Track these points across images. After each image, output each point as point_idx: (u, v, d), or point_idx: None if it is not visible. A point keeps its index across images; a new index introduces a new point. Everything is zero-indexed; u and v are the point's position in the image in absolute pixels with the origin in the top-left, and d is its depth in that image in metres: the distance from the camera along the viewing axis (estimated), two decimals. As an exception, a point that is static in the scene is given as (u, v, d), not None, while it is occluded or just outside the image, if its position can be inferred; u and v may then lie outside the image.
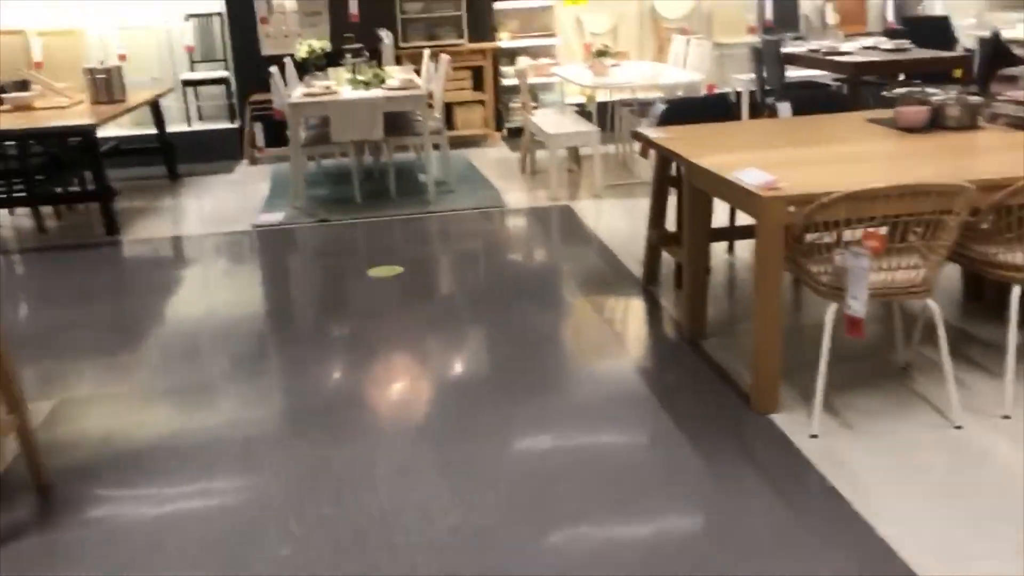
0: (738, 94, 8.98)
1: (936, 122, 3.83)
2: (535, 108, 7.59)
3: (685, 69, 6.97)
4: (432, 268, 5.04)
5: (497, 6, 8.67)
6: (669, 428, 3.06)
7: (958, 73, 6.90)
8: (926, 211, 2.74)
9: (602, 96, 7.58)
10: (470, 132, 8.48)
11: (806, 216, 2.77)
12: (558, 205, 6.14)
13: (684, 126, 4.19)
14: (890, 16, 9.30)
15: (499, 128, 8.75)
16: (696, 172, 3.42)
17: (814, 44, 7.62)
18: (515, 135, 8.65)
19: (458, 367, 3.67)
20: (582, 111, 7.56)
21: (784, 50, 7.47)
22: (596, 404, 3.27)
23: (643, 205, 5.77)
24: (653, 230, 4.37)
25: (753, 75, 8.14)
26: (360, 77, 6.54)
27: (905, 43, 7.07)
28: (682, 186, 3.78)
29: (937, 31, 7.80)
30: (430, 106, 6.47)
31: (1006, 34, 7.59)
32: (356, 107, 6.01)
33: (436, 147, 6.63)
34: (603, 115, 7.63)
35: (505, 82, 8.60)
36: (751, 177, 3.02)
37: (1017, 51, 6.96)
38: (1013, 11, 9.21)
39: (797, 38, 8.95)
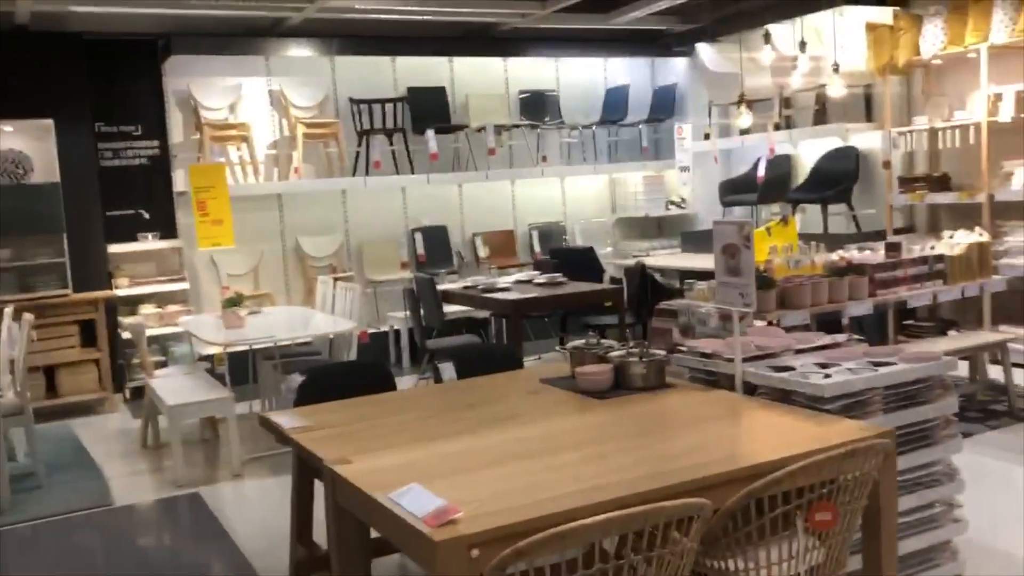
0: (396, 332, 8.38)
1: (620, 382, 3.27)
2: (159, 367, 6.35)
3: (334, 315, 6.19)
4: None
5: (113, 249, 7.47)
6: None
7: (609, 303, 6.79)
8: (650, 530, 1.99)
9: (243, 344, 6.54)
10: (80, 398, 6.96)
11: (497, 568, 1.90)
12: (185, 494, 4.88)
13: (331, 403, 3.29)
14: (537, 248, 9.37)
15: (119, 389, 7.31)
16: (341, 487, 2.48)
17: (469, 280, 7.25)
18: (140, 396, 7.25)
19: None
20: (212, 369, 6.42)
21: (440, 287, 7.01)
22: None
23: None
24: (298, 545, 3.31)
25: (409, 313, 7.57)
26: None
27: (558, 276, 6.89)
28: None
29: (584, 262, 7.82)
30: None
31: (648, 262, 7.78)
32: None
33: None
34: (243, 367, 6.57)
35: (126, 335, 7.28)
36: (416, 502, 2.13)
37: (661, 280, 7.03)
38: (644, 240, 9.67)
39: (451, 273, 8.65)
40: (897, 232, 7.50)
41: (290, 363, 5.72)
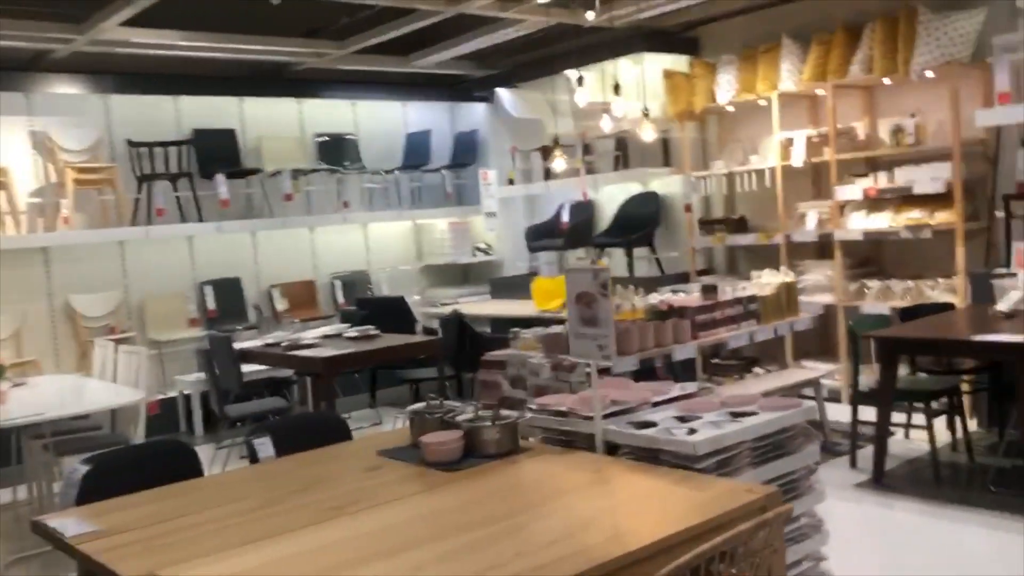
0: (187, 398, 7.60)
1: (471, 449, 2.93)
2: None
3: (116, 383, 5.43)
4: None
5: None
6: None
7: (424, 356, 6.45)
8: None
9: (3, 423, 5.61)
10: None
11: None
12: (-70, 613, 4.01)
13: (126, 497, 2.72)
14: (341, 298, 8.87)
15: None
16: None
17: (271, 337, 6.66)
18: None
19: None
20: None
21: (238, 345, 6.38)
22: None
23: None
24: None
25: (203, 374, 6.87)
26: None
27: (370, 328, 6.46)
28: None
29: (395, 311, 7.44)
30: None
31: (461, 309, 7.50)
32: None
33: None
34: (3, 447, 5.64)
35: None
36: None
37: (478, 329, 6.77)
38: (451, 287, 9.41)
39: (248, 328, 7.98)
40: (700, 274, 7.67)
41: (65, 442, 4.94)
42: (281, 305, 8.54)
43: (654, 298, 5.59)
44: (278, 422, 3.51)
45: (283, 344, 6.24)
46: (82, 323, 7.54)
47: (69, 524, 2.51)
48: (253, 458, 3.18)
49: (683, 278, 7.48)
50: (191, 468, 3.09)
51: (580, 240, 8.46)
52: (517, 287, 8.36)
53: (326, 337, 6.63)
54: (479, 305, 8.04)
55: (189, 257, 8.23)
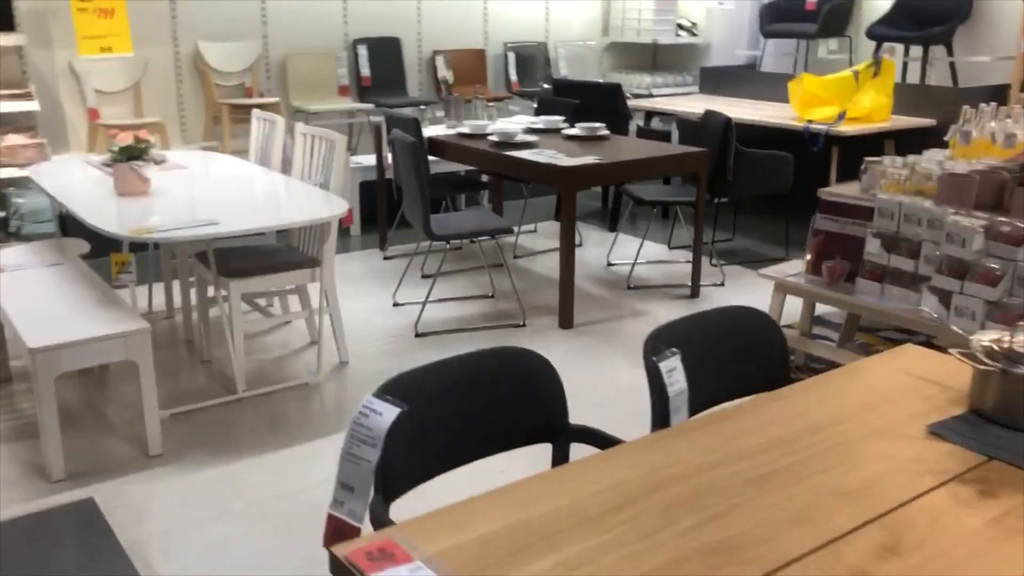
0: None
1: None
2: (1, 249, 4.01)
3: (287, 174, 3.96)
4: None
5: (-88, 44, 4.83)
6: None
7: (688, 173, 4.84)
8: None
9: (169, 238, 4.21)
10: None
11: None
12: (68, 503, 2.78)
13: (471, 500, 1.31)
14: (514, 77, 7.19)
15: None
16: None
17: (467, 125, 5.09)
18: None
19: None
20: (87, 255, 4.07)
21: (428, 132, 4.84)
22: None
23: (256, 458, 2.73)
24: None
25: (374, 159, 5.43)
26: None
27: (597, 126, 4.85)
28: None
29: (604, 105, 5.76)
30: None
31: (658, 105, 5.82)
32: None
33: None
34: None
35: (-60, 179, 4.79)
36: None
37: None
38: (641, 72, 7.63)
39: (412, 104, 6.42)
40: None
41: (231, 256, 3.56)
42: (445, 77, 6.90)
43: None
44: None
45: (491, 138, 4.68)
46: (213, 80, 6.02)
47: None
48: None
49: (981, 94, 5.62)
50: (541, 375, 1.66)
51: (836, 27, 6.55)
52: (735, 82, 6.58)
53: (534, 131, 5.05)
54: (686, 102, 6.29)
55: (342, 6, 6.53)
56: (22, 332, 2.86)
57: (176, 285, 4.35)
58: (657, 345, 1.79)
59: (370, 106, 6.34)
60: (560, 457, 1.82)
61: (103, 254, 3.78)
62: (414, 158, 3.95)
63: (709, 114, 4.91)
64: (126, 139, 3.43)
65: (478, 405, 1.73)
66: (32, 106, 5.08)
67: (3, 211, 5.10)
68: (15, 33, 5.22)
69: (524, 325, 4.25)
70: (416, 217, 4.10)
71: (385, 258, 5.35)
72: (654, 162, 4.34)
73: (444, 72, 6.89)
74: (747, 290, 4.71)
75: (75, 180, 3.77)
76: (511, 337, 4.09)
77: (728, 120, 4.71)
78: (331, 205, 3.33)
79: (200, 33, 5.97)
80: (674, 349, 1.79)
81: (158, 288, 4.49)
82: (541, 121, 5.16)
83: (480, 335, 4.12)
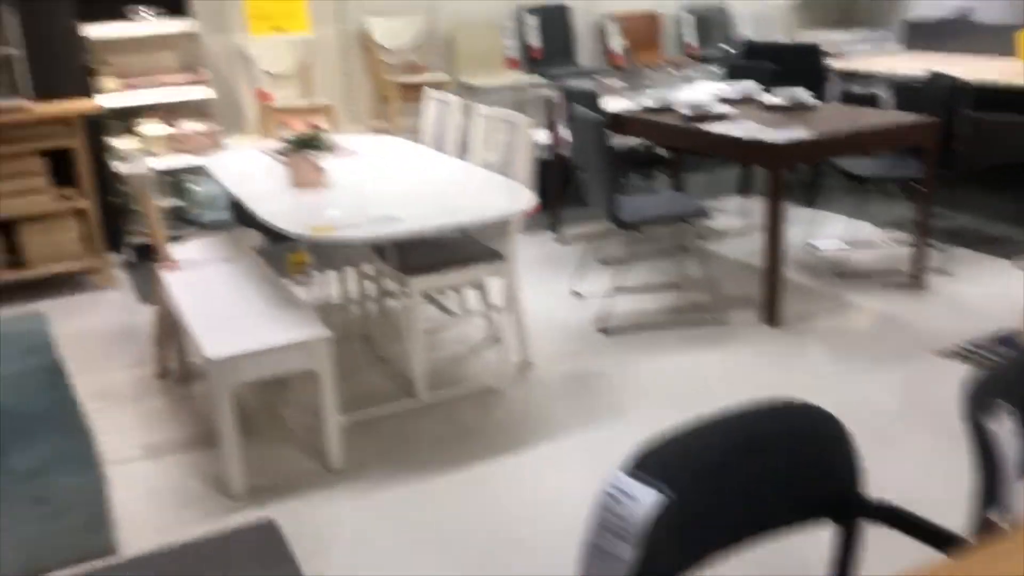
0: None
1: None
2: (177, 237, 3.92)
3: (463, 158, 3.67)
4: None
5: (98, 32, 4.83)
6: None
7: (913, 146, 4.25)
8: None
9: (354, 238, 4.01)
10: (57, 268, 4.56)
11: None
12: (245, 527, 2.60)
13: None
14: (692, 40, 6.67)
15: (115, 246, 4.93)
16: None
17: (649, 98, 4.66)
18: (147, 257, 4.89)
19: None
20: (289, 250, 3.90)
21: (607, 106, 4.45)
22: None
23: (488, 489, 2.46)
24: None
25: (548, 136, 5.11)
26: None
27: (800, 94, 4.33)
28: None
29: (801, 68, 5.19)
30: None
31: (858, 67, 5.17)
32: None
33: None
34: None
35: (122, 167, 4.79)
36: None
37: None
38: (833, 28, 6.93)
39: (583, 74, 6.04)
40: None
41: (417, 251, 3.30)
42: (616, 44, 6.46)
43: None
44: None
45: (680, 110, 4.24)
46: (378, 57, 5.83)
47: None
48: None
49: None
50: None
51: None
52: (945, 34, 5.83)
53: (727, 101, 4.56)
54: (891, 62, 5.60)
55: (509, -26, 6.20)
56: (200, 339, 2.69)
57: (350, 273, 4.17)
58: (984, 398, 1.36)
59: (540, 79, 6.00)
60: (847, 541, 1.42)
61: (277, 242, 3.61)
62: (599, 138, 3.57)
63: (935, 77, 4.28)
64: (299, 126, 3.23)
65: (752, 478, 1.35)
66: (207, 93, 5.01)
67: (180, 199, 5.08)
68: (189, 18, 5.17)
69: (724, 322, 3.82)
70: (601, 202, 3.73)
71: (558, 241, 5.02)
72: (876, 134, 3.79)
73: (614, 39, 6.46)
74: (984, 280, 4.09)
75: (249, 170, 3.61)
76: (709, 337, 3.68)
77: (959, 82, 4.08)
78: (516, 197, 3.01)
79: (367, 9, 5.78)
80: (1006, 403, 1.35)
81: (331, 277, 4.32)
82: (733, 89, 4.67)
83: (672, 333, 3.73)
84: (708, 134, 3.89)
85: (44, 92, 4.57)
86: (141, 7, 4.99)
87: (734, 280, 4.29)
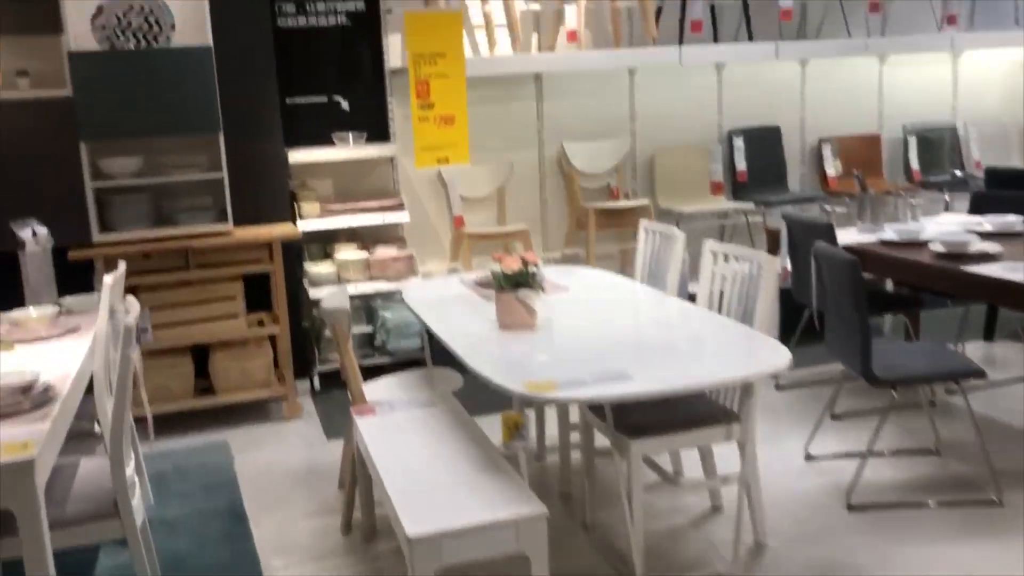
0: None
1: None
2: (366, 367, 3.66)
3: (715, 310, 3.25)
4: None
5: (296, 157, 4.82)
6: None
7: None
8: None
9: (571, 398, 3.61)
10: (244, 396, 4.42)
11: None
12: None
13: None
14: (915, 164, 6.08)
15: (303, 373, 4.77)
16: None
17: (891, 230, 4.13)
18: (333, 385, 4.69)
19: None
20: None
21: (846, 241, 3.93)
22: None
23: None
24: None
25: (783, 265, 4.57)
26: None
27: (1015, 223, 3.69)
28: None
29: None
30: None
31: None
32: None
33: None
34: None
35: (315, 293, 4.67)
36: None
37: None
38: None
39: (798, 201, 5.57)
40: None
41: (635, 407, 2.88)
42: (833, 169, 5.96)
43: None
44: None
45: (932, 247, 3.68)
46: (577, 182, 5.57)
47: None
48: None
49: None
50: None
51: None
52: None
53: (981, 235, 3.96)
54: None
55: (716, 96, 5.87)
56: (399, 510, 2.33)
57: (550, 419, 3.78)
58: None
59: (749, 205, 5.56)
60: None
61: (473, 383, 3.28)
62: (853, 280, 3.07)
63: None
64: (508, 262, 2.92)
65: None
66: (403, 217, 4.87)
67: (371, 325, 4.90)
68: (388, 142, 5.10)
69: (1000, 503, 3.14)
70: (849, 352, 3.19)
71: (778, 387, 4.47)
72: None
73: (830, 163, 5.96)
74: None
75: (447, 302, 3.33)
76: (984, 522, 3.02)
77: None
78: (762, 353, 2.54)
79: (567, 133, 5.57)
80: None
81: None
82: (989, 222, 4.06)
83: (933, 514, 3.09)
84: (971, 275, 3.31)
85: (247, 216, 4.54)
86: (347, 132, 4.96)
87: (999, 445, 3.60)
